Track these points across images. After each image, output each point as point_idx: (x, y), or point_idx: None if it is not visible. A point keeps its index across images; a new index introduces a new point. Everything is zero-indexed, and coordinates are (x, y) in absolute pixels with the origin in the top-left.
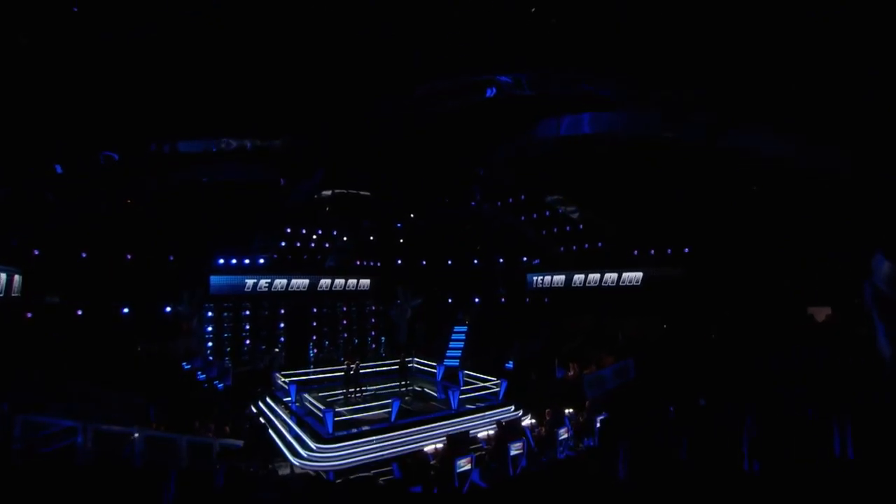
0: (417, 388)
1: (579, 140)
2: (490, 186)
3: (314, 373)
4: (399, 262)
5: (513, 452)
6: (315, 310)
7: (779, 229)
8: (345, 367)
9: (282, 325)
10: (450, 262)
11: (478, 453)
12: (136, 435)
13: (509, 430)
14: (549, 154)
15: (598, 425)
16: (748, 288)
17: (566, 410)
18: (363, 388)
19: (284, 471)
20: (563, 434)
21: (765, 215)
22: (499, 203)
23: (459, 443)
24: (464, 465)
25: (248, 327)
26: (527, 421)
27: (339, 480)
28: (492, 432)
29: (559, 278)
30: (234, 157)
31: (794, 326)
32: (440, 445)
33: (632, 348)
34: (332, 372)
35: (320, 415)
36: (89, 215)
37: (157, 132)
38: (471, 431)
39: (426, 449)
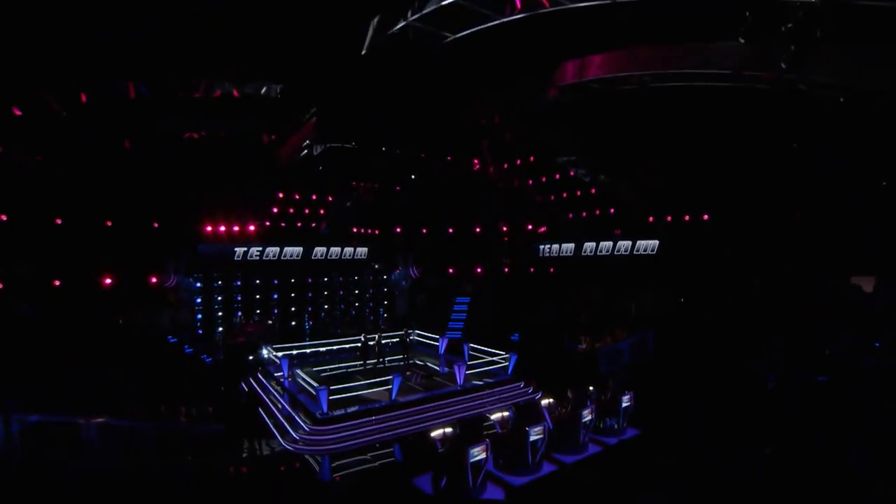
0: (419, 363)
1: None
2: (496, 141)
3: (309, 346)
4: (398, 230)
5: (532, 438)
6: (310, 279)
7: (819, 191)
8: (361, 338)
9: (275, 295)
10: (451, 231)
11: (491, 438)
12: (84, 423)
13: (527, 414)
14: (563, 106)
15: (625, 405)
16: (781, 257)
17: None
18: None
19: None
20: (587, 416)
21: (804, 176)
22: (505, 165)
23: (472, 428)
24: (478, 453)
25: (239, 298)
26: (544, 401)
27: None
28: (506, 414)
29: (568, 247)
30: (223, 106)
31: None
32: (448, 430)
33: (646, 321)
34: (328, 345)
35: (314, 392)
36: (65, 174)
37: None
38: (481, 412)
39: (433, 434)
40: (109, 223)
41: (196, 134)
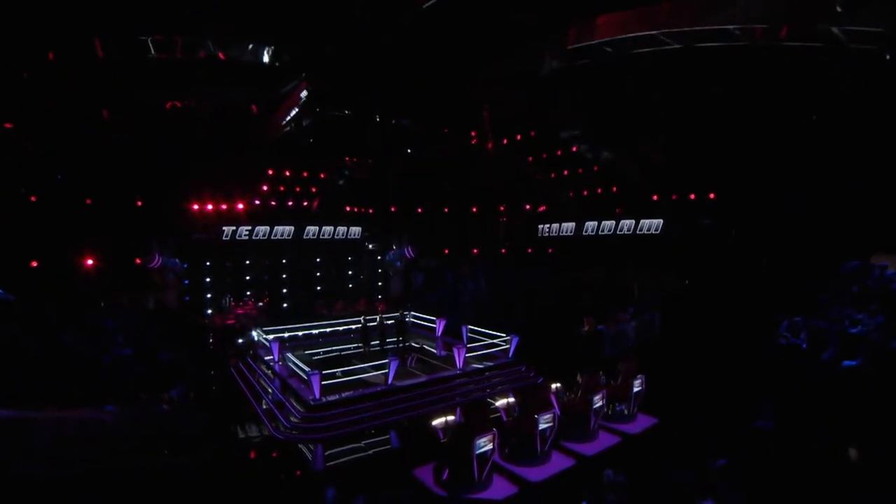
0: (415, 345)
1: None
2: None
3: (302, 328)
4: (393, 209)
5: (542, 426)
6: (302, 259)
7: (837, 166)
8: (360, 320)
9: (266, 276)
10: (447, 210)
11: (496, 426)
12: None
13: (535, 400)
14: (566, 77)
15: (636, 390)
16: (794, 235)
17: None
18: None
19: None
20: (598, 402)
21: (820, 149)
22: (504, 141)
23: (477, 416)
24: (484, 444)
25: (227, 279)
26: (553, 385)
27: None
28: (511, 400)
29: (568, 226)
30: (207, 71)
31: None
32: (450, 418)
33: (650, 302)
34: (321, 327)
35: (305, 377)
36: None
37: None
38: (482, 396)
39: (434, 423)
40: (89, 201)
41: (179, 103)
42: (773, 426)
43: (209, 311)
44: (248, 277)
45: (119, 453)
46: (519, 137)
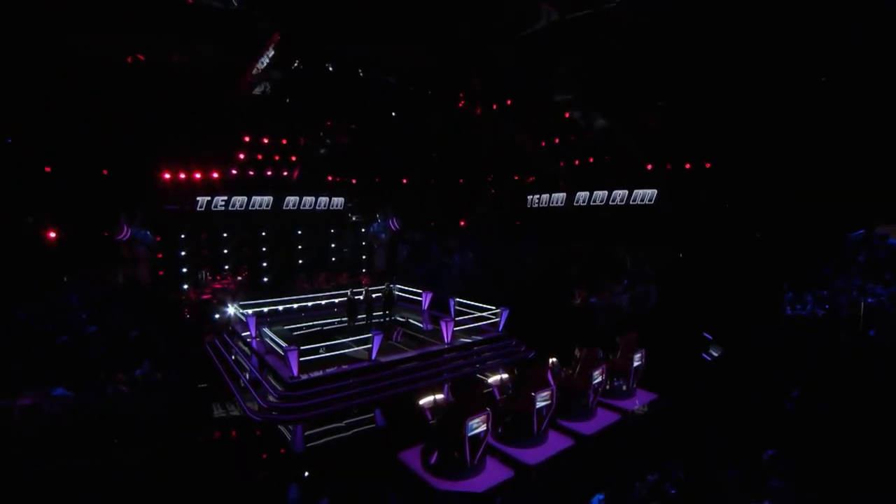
0: (400, 319)
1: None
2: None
3: (281, 302)
4: (377, 179)
5: (539, 404)
6: (281, 231)
7: (842, 132)
8: (347, 294)
9: (243, 248)
10: (433, 181)
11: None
12: None
13: (531, 376)
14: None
15: (636, 365)
16: (795, 205)
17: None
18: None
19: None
20: (598, 377)
21: (825, 114)
22: (494, 106)
23: (469, 393)
24: (477, 425)
25: (203, 252)
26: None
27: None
28: (505, 376)
29: (559, 196)
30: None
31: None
32: (439, 396)
33: (644, 275)
34: (302, 301)
35: (282, 353)
36: None
37: None
38: (471, 371)
39: (422, 402)
40: (49, 169)
41: (142, 56)
42: (798, 402)
43: (185, 287)
44: (225, 251)
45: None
46: (509, 102)
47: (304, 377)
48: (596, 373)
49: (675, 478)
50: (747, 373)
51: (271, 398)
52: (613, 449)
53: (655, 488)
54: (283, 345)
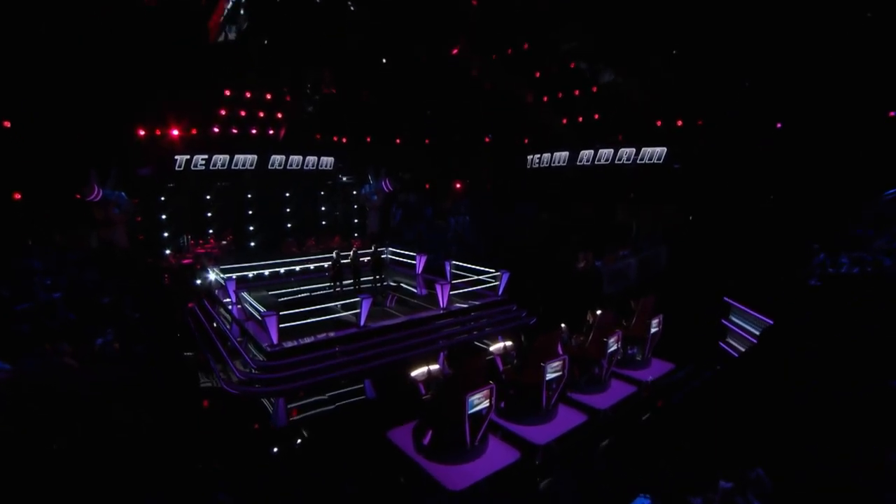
0: (393, 283)
1: None
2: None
3: (266, 266)
4: (368, 139)
5: (550, 376)
6: (267, 192)
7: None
8: (333, 256)
9: (227, 211)
10: (427, 141)
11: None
12: None
13: (540, 344)
14: None
15: (653, 331)
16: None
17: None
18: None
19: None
20: (613, 345)
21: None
22: (493, 56)
23: (470, 364)
24: (479, 401)
25: (184, 214)
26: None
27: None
28: (508, 344)
29: (561, 155)
30: None
31: None
32: (434, 367)
33: (651, 237)
34: (288, 265)
35: (260, 318)
36: None
37: None
38: (468, 338)
39: (413, 374)
40: (8, 124)
41: None
42: None
43: (167, 252)
44: (209, 214)
45: None
46: (510, 51)
47: (288, 345)
48: (612, 340)
49: (758, 483)
50: (797, 344)
51: (246, 369)
52: (638, 430)
53: (728, 499)
54: (262, 309)
